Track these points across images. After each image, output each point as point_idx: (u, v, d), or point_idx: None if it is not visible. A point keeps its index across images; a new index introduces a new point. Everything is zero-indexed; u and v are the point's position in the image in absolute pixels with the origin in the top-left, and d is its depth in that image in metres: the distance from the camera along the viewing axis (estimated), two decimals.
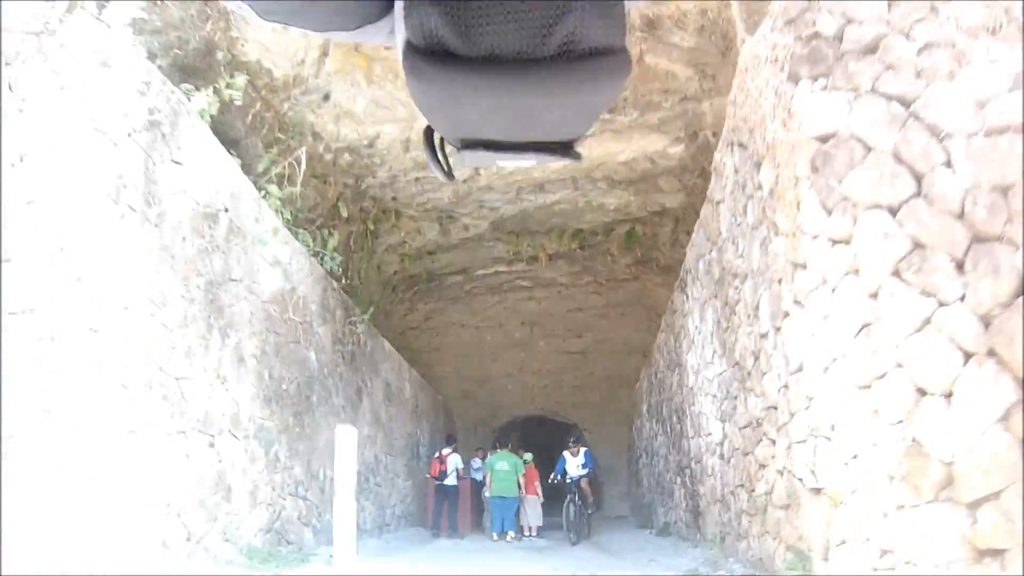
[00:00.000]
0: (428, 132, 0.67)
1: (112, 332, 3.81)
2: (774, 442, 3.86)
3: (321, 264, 6.64)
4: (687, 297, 6.38)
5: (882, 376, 2.55)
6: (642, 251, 9.28)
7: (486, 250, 9.92)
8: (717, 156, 4.99)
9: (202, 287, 4.76)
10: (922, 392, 2.41)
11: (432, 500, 9.57)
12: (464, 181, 8.46)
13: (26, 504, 3.14)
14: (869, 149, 2.88)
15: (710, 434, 5.55)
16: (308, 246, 6.61)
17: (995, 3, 2.82)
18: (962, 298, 2.38)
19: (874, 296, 2.64)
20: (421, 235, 9.53)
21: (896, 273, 2.56)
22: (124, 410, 3.88)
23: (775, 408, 3.82)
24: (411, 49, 0.51)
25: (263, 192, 5.99)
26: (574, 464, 9.62)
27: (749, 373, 4.33)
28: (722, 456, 5.18)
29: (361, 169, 8.17)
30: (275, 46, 6.37)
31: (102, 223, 3.85)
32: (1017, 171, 2.45)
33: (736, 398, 4.70)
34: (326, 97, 7.11)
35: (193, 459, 4.43)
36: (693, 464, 6.31)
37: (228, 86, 5.69)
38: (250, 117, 6.43)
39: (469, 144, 0.61)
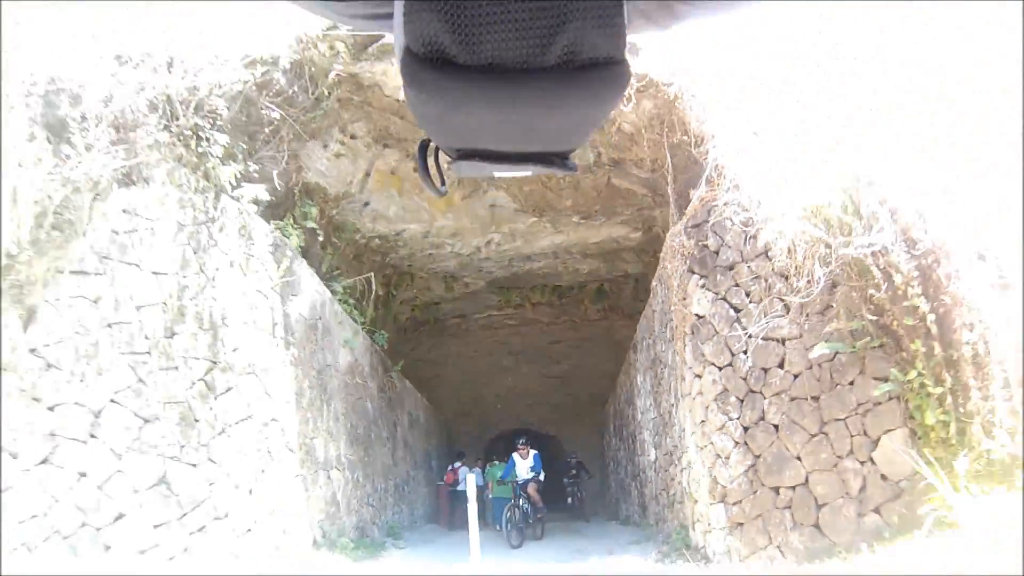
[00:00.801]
0: (423, 147, 0.74)
1: (283, 419, 6.85)
2: (677, 465, 7.16)
3: (372, 340, 9.65)
4: (637, 359, 9.66)
5: (705, 447, 5.78)
6: (609, 302, 12.52)
7: (482, 300, 13.04)
8: (654, 283, 8.18)
9: (315, 376, 7.79)
10: (718, 456, 5.66)
11: (447, 503, 12.80)
12: (468, 254, 11.53)
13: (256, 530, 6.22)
14: (716, 332, 6.06)
15: (649, 455, 8.88)
16: (358, 322, 9.60)
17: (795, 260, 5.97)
18: (739, 417, 5.61)
19: (706, 408, 5.87)
20: (430, 291, 12.60)
21: (716, 399, 5.78)
22: (292, 462, 6.93)
23: (677, 446, 7.11)
24: (410, 56, 0.55)
25: (332, 290, 8.95)
26: (524, 466, 10.26)
27: (666, 422, 7.63)
28: (655, 470, 8.51)
29: (387, 249, 11.18)
30: (330, 172, 9.32)
31: (269, 353, 6.85)
32: (774, 361, 5.70)
33: (661, 435, 8.01)
34: (366, 204, 10.09)
35: (322, 487, 7.51)
36: (641, 473, 9.67)
37: (304, 216, 8.64)
38: (319, 232, 9.32)
39: (465, 154, 0.67)
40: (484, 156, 0.65)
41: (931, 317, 4.43)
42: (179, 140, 6.57)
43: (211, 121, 6.92)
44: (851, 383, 5.09)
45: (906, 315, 4.58)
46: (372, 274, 9.21)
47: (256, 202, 7.32)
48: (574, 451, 14.07)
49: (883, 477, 4.75)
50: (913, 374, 4.52)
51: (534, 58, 0.54)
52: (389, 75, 8.27)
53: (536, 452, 10.65)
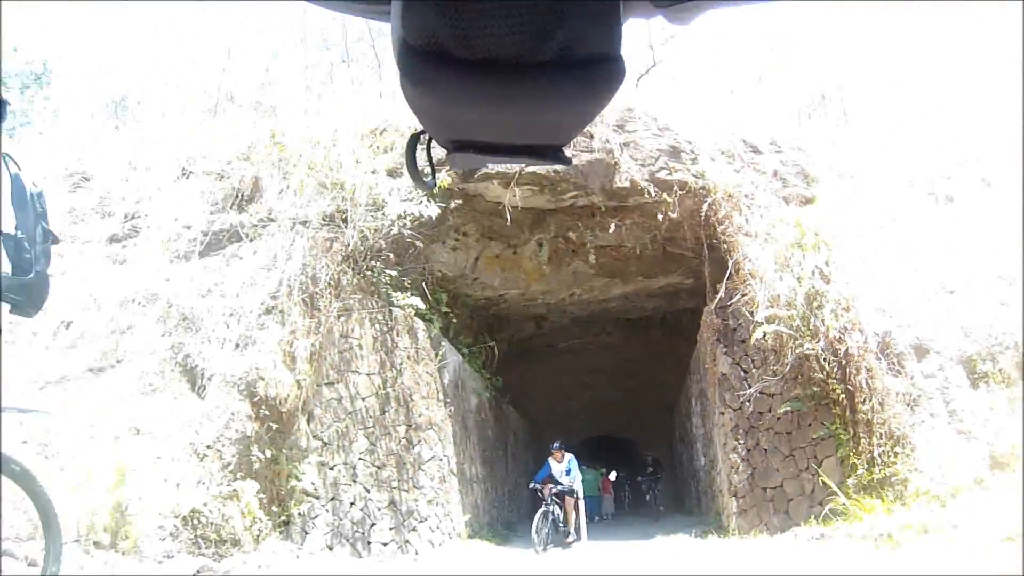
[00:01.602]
0: (411, 142, 0.81)
1: (449, 454, 11.36)
2: (715, 470, 11.24)
3: (491, 383, 14.12)
4: (691, 386, 13.66)
5: (726, 460, 9.78)
6: (671, 328, 16.46)
7: (565, 333, 17.25)
8: (698, 337, 12.16)
9: (460, 420, 12.26)
10: (732, 467, 9.62)
11: None
12: (555, 303, 15.72)
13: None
14: (732, 386, 9.92)
15: (700, 460, 12.95)
16: (484, 376, 13.99)
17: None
18: (744, 443, 9.59)
19: (726, 435, 9.86)
20: (522, 331, 16.89)
21: (732, 430, 9.74)
22: (455, 482, 11.46)
23: (715, 457, 11.18)
24: (407, 49, 0.60)
25: (461, 353, 13.37)
26: (558, 470, 10.80)
27: (709, 439, 11.69)
28: (704, 472, 12.57)
29: (491, 306, 15.52)
30: (449, 261, 13.68)
31: (438, 412, 11.33)
32: (766, 408, 9.67)
33: (706, 447, 12.06)
34: (475, 279, 14.42)
35: (470, 496, 12.04)
36: (697, 474, 13.73)
37: (438, 302, 13.07)
38: (450, 313, 13.66)
39: (460, 146, 0.72)
40: (479, 148, 0.73)
41: (843, 396, 8.29)
42: (362, 277, 11.00)
43: (378, 258, 11.33)
44: (809, 425, 9.01)
45: (831, 392, 8.46)
46: (494, 343, 13.55)
47: (413, 307, 11.75)
48: (649, 451, 18.09)
49: (824, 484, 8.68)
50: (835, 426, 8.41)
51: (530, 53, 0.60)
52: (488, 189, 12.49)
53: (572, 456, 11.01)
